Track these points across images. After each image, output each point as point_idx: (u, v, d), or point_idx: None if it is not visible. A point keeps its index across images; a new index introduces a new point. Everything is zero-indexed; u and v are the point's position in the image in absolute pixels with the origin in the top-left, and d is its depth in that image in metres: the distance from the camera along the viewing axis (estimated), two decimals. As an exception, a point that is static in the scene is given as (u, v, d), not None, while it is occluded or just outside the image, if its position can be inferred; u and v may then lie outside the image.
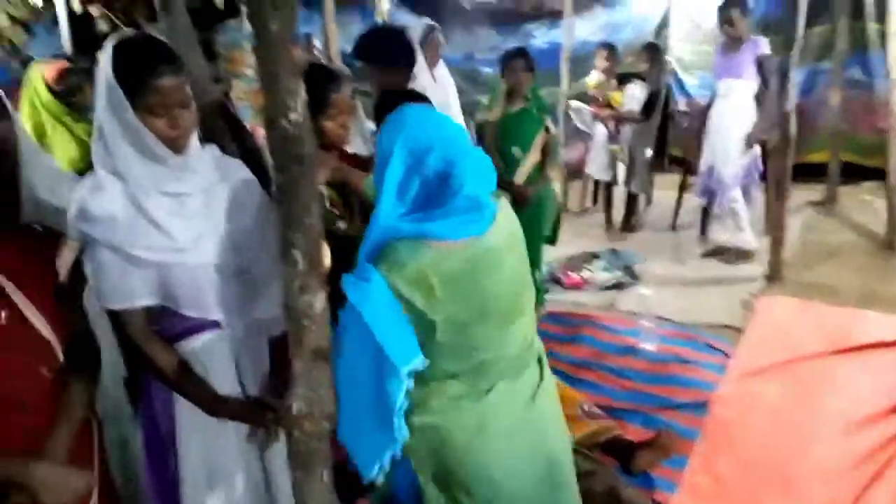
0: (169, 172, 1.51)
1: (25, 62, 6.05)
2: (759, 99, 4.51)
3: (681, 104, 6.26)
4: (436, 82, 3.76)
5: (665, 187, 5.73)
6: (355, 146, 3.05)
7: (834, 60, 5.75)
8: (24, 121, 3.20)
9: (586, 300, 4.44)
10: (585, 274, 4.66)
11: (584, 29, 6.69)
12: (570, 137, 5.99)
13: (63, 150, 3.22)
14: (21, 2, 7.00)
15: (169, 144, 1.47)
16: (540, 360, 1.75)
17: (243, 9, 6.70)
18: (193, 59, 2.16)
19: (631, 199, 5.47)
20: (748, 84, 4.55)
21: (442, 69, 3.81)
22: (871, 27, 5.76)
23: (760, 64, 4.46)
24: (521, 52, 3.79)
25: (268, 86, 1.25)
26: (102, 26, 7.24)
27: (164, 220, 1.50)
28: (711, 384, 3.27)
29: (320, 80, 2.01)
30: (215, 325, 1.62)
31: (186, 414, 1.60)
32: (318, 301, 1.34)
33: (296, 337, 1.32)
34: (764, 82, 4.48)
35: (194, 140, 1.56)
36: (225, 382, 1.64)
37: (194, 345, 1.60)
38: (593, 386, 3.44)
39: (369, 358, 1.46)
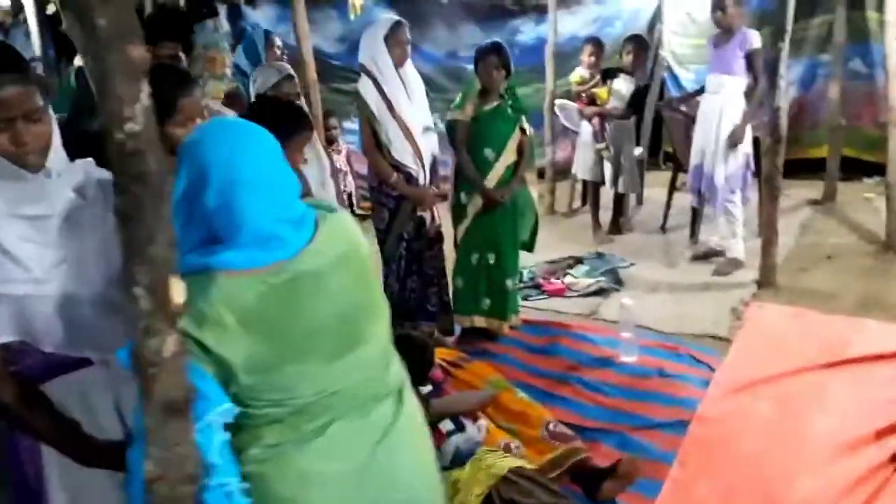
0: (22, 193, 1.31)
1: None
2: (748, 95, 4.27)
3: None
4: (403, 82, 3.55)
5: (659, 185, 5.50)
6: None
7: (833, 52, 5.51)
8: None
9: (567, 307, 4.23)
10: (567, 279, 4.44)
11: (572, 24, 6.46)
12: (557, 136, 5.78)
13: None
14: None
15: (15, 162, 1.27)
16: (400, 393, 1.52)
17: (222, 8, 6.54)
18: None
19: (618, 200, 5.24)
20: (738, 80, 4.29)
21: (410, 68, 3.60)
22: (871, 16, 5.51)
23: (749, 58, 4.22)
24: (495, 48, 3.57)
25: (99, 92, 1.05)
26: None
27: (15, 246, 1.30)
28: (693, 401, 3.04)
29: (167, 82, 1.85)
30: (87, 362, 1.42)
31: (55, 465, 1.40)
32: (169, 345, 1.13)
33: (143, 388, 1.11)
34: (753, 78, 4.24)
35: (55, 156, 1.37)
36: (107, 426, 1.44)
37: (63, 386, 1.40)
38: (566, 402, 3.23)
39: None
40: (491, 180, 3.60)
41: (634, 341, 3.52)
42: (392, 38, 3.46)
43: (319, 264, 1.33)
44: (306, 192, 2.39)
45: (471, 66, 6.56)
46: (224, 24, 6.65)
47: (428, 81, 6.48)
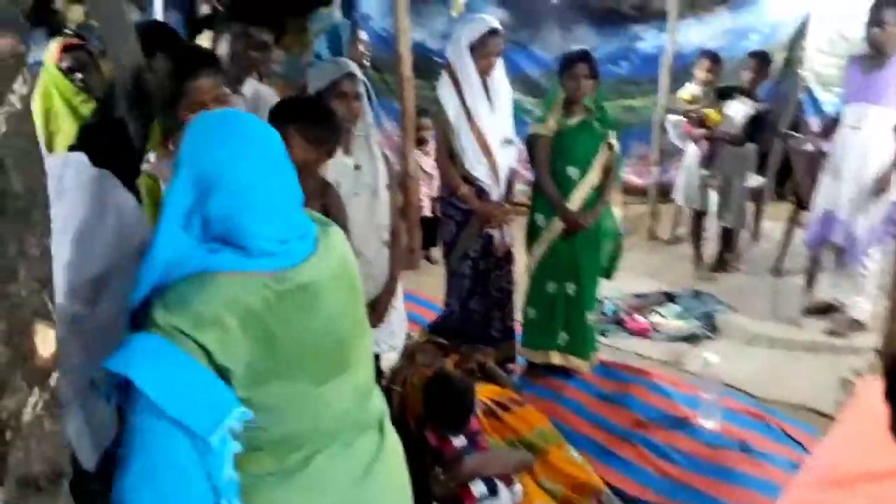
0: None
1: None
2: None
3: (813, 125, 5.34)
4: (487, 89, 3.24)
5: (782, 219, 4.85)
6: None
7: None
8: (36, 106, 3.04)
9: (648, 351, 3.78)
10: (654, 318, 3.99)
11: (699, 33, 5.91)
12: (666, 155, 5.28)
13: (66, 139, 3.02)
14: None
15: None
16: (381, 425, 1.44)
17: (336, -2, 6.47)
18: (122, 47, 1.80)
19: (727, 233, 4.68)
20: (888, 112, 3.59)
21: (499, 72, 3.28)
22: None
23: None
24: (584, 56, 3.19)
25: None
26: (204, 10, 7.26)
27: None
28: (776, 487, 2.56)
29: (179, 65, 1.82)
30: None
31: None
32: (30, 407, 0.92)
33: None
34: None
35: None
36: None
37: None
38: (627, 466, 2.83)
39: (185, 458, 1.10)
40: (574, 202, 3.23)
41: (717, 404, 3.05)
42: (480, 48, 3.15)
43: (320, 278, 1.26)
44: (333, 208, 2.13)
45: (583, 73, 6.31)
46: (337, 15, 6.61)
47: (535, 86, 6.22)
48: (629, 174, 5.99)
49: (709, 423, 3.02)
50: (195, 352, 1.12)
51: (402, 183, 5.03)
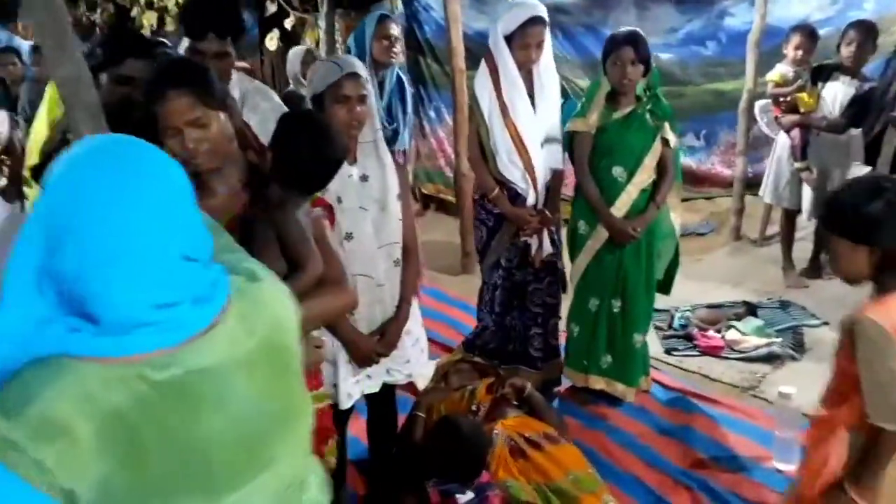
0: None
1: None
2: None
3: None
4: (531, 87, 2.89)
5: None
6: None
7: None
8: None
9: (721, 373, 3.29)
10: (730, 334, 3.48)
11: (802, 6, 5.19)
12: (755, 145, 4.69)
13: None
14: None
15: None
16: None
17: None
18: (59, 56, 1.60)
19: (823, 235, 4.05)
20: None
21: (545, 63, 2.89)
22: None
23: None
24: (630, 38, 2.76)
25: None
26: (271, 8, 7.23)
27: None
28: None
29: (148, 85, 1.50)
30: None
31: None
32: None
33: None
34: None
35: None
36: None
37: None
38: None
39: None
40: (620, 208, 2.82)
41: (795, 444, 2.56)
42: (519, 38, 2.79)
43: (221, 359, 0.93)
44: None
45: (665, 55, 5.74)
46: (399, 5, 6.36)
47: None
48: (717, 165, 5.42)
49: (785, 467, 2.54)
50: (32, 473, 0.82)
51: (456, 181, 4.77)
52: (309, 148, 1.66)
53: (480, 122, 2.89)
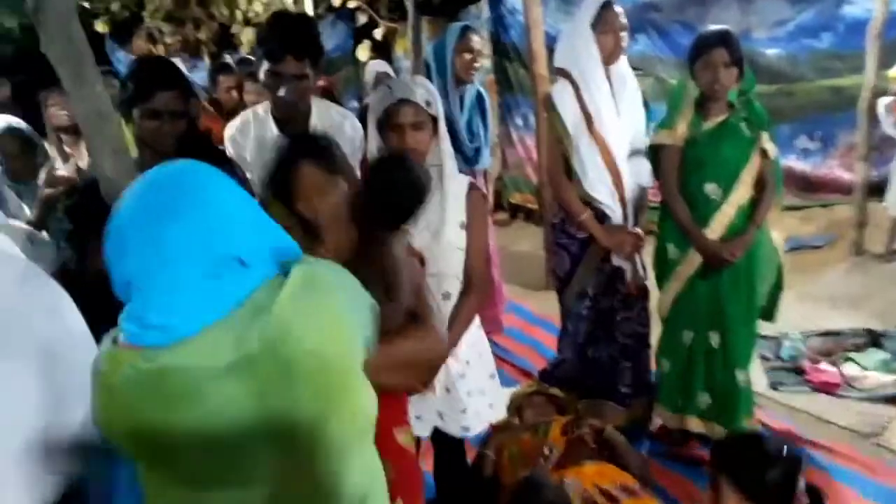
0: None
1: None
2: None
3: None
4: (612, 86, 2.65)
5: None
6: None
7: None
8: None
9: (837, 415, 2.87)
10: (848, 368, 3.06)
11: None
12: (879, 147, 4.17)
13: None
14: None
15: None
16: None
17: (484, -9, 6.04)
18: (79, 90, 1.52)
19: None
20: None
21: (623, 67, 2.65)
22: None
23: None
24: (721, 37, 2.43)
25: None
26: (361, 19, 7.24)
27: None
28: None
29: None
30: None
31: None
32: None
33: None
34: None
35: None
36: None
37: None
38: None
39: None
40: (715, 229, 2.50)
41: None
42: (603, 22, 2.57)
43: (199, 363, 1.00)
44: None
45: (772, 51, 5.24)
46: (485, 10, 6.18)
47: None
48: (836, 168, 4.89)
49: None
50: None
51: (539, 191, 4.52)
52: (399, 185, 1.67)
53: (564, 137, 2.65)
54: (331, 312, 1.06)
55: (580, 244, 2.74)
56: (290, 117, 2.35)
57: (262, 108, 2.46)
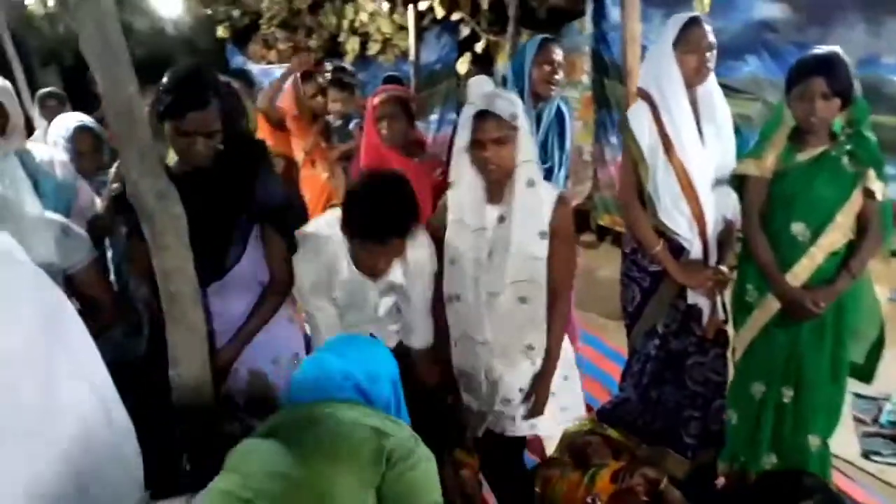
0: None
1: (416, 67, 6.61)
2: None
3: None
4: (696, 110, 2.45)
5: None
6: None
7: None
8: None
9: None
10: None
11: None
12: None
13: None
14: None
15: None
16: None
17: (589, 6, 5.85)
18: (116, 93, 1.51)
19: None
20: None
21: (712, 87, 2.43)
22: None
23: None
24: (823, 64, 2.16)
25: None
26: (464, 32, 7.23)
27: None
28: None
29: None
30: None
31: None
32: None
33: None
34: None
35: None
36: None
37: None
38: None
39: None
40: (798, 274, 2.23)
41: None
42: (686, 41, 2.38)
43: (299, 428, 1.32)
44: None
45: (897, 78, 4.73)
46: (588, 25, 5.98)
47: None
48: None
49: None
50: None
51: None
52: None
53: (639, 161, 2.47)
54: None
55: (652, 278, 2.55)
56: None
57: None
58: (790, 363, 2.29)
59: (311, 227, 2.14)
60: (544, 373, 2.26)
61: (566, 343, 2.33)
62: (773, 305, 2.28)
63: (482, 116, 2.02)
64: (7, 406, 1.06)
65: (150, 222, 1.54)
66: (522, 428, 2.35)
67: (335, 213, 2.08)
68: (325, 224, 2.09)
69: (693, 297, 2.51)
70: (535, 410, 2.29)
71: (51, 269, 1.61)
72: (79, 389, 1.17)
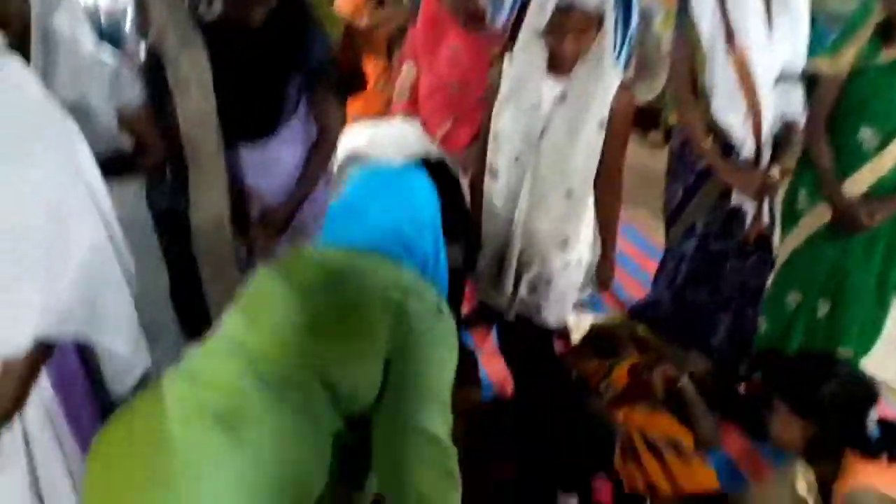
0: None
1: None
2: None
3: None
4: (768, 5, 2.24)
5: None
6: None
7: None
8: None
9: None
10: None
11: None
12: None
13: None
14: None
15: None
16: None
17: None
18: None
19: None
20: None
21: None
22: None
23: None
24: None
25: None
26: None
27: None
28: None
29: None
30: None
31: None
32: None
33: None
34: None
35: None
36: None
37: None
38: None
39: None
40: (858, 183, 2.09)
41: None
42: None
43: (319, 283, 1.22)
44: None
45: None
46: None
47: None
48: None
49: None
50: None
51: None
52: None
53: (696, 49, 2.30)
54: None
55: (697, 176, 2.42)
56: None
57: None
58: (833, 277, 2.20)
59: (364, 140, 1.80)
60: (607, 256, 2.19)
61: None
62: (824, 214, 2.17)
63: (567, 9, 1.80)
64: (22, 236, 1.12)
65: (174, 68, 1.54)
66: (548, 318, 2.26)
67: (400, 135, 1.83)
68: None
69: (738, 199, 2.39)
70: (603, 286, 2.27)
71: (103, 109, 1.65)
72: (88, 221, 1.21)
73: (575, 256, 2.13)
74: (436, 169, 1.64)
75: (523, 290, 2.18)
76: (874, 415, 1.54)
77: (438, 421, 1.15)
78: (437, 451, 1.14)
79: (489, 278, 2.23)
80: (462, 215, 2.01)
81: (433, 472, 1.12)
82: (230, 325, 1.18)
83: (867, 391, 1.60)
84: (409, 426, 1.12)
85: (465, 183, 2.44)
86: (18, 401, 1.20)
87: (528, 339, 2.40)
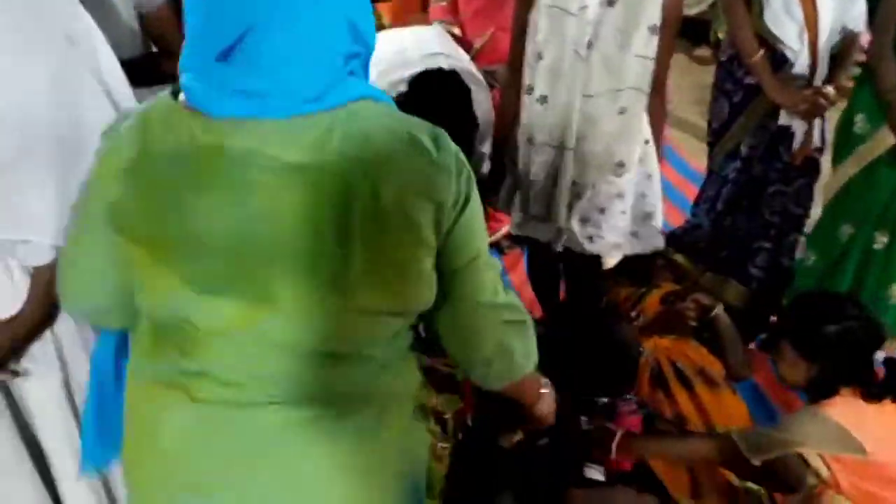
0: None
1: None
2: None
3: None
4: None
5: None
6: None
7: None
8: None
9: None
10: None
11: None
12: None
13: None
14: None
15: None
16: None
17: None
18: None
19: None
20: None
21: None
22: None
23: None
24: None
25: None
26: None
27: None
28: None
29: None
30: None
31: None
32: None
33: None
34: None
35: None
36: None
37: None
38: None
39: None
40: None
41: None
42: None
43: (266, 150, 0.85)
44: None
45: None
46: None
47: None
48: None
49: None
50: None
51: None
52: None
53: None
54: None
55: (745, 91, 2.29)
56: None
57: None
58: (892, 208, 2.05)
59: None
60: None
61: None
62: (885, 141, 2.01)
63: None
64: (40, 126, 1.12)
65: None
66: (602, 247, 2.11)
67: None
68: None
69: (786, 119, 2.24)
70: None
71: (123, 7, 1.64)
72: (104, 109, 1.19)
73: (630, 179, 1.98)
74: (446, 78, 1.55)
75: (575, 220, 2.04)
76: (881, 356, 1.55)
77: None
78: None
79: (537, 208, 2.08)
80: (469, 128, 1.89)
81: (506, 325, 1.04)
82: None
83: (873, 333, 1.57)
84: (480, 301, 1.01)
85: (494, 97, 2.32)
86: (50, 310, 1.22)
87: (575, 269, 2.31)
